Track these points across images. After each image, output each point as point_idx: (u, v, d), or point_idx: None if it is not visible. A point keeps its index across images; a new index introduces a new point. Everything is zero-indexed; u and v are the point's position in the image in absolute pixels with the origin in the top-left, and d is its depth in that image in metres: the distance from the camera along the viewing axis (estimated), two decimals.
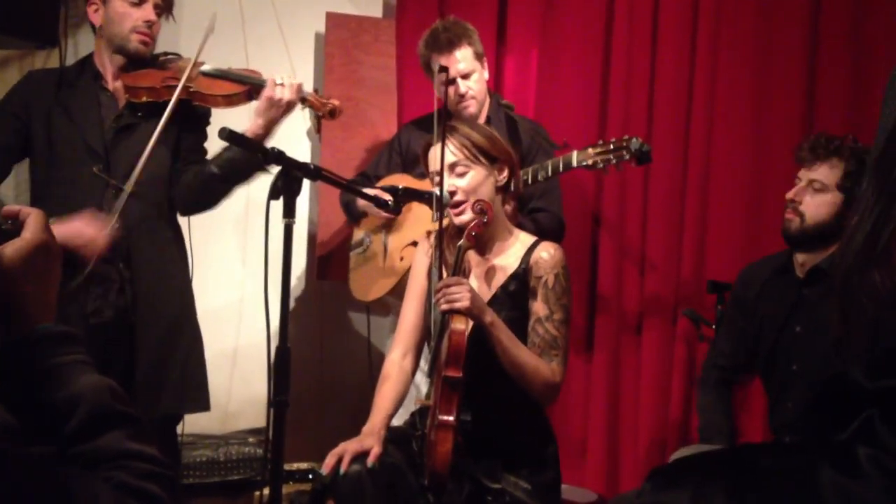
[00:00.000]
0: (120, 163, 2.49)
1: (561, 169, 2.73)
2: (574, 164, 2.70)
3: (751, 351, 2.65)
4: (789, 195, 2.49)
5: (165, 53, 2.68)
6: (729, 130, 3.28)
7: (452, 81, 2.98)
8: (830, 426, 0.54)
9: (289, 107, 2.50)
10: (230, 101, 2.55)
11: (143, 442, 0.87)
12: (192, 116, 2.62)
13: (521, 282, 2.23)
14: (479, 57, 3.03)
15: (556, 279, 2.21)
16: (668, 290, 3.36)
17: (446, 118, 2.27)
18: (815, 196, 2.44)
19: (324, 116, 2.64)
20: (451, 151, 2.24)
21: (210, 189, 2.57)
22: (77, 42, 3.41)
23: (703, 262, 3.30)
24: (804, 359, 2.45)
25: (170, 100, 2.47)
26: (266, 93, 2.46)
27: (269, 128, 2.48)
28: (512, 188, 2.35)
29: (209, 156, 2.63)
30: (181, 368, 2.57)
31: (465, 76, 3.00)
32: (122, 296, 2.50)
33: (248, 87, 2.53)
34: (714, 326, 3.00)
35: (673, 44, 3.36)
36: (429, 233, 2.43)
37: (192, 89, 2.52)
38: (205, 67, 2.57)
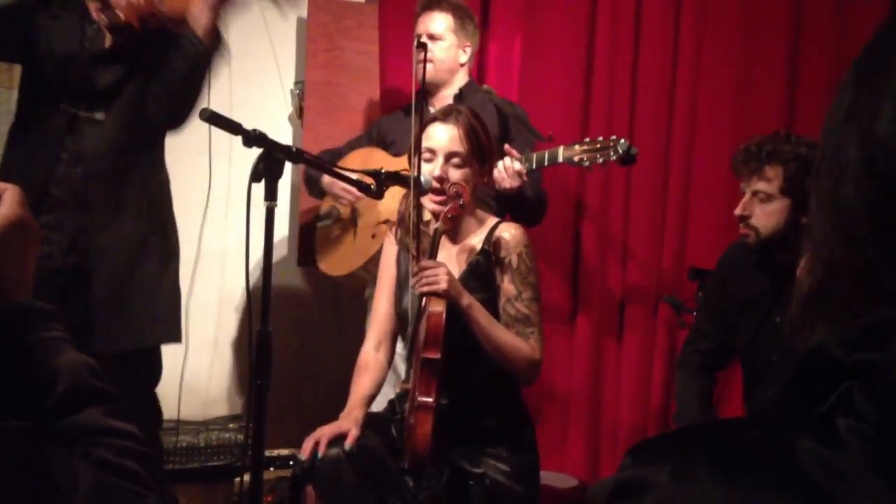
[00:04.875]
0: (92, 91, 2.41)
1: (546, 163, 2.75)
2: (560, 159, 2.72)
3: (732, 334, 2.66)
4: (737, 211, 2.44)
5: None
6: (711, 120, 3.29)
7: (420, 41, 2.99)
8: (808, 401, 0.54)
9: None
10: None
11: (122, 419, 0.86)
12: (167, 46, 2.50)
13: (486, 261, 2.25)
14: (457, 32, 3.05)
15: (519, 259, 2.22)
16: (649, 277, 3.38)
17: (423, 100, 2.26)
18: (763, 207, 2.40)
19: None
20: (455, 137, 2.23)
21: (183, 93, 2.48)
22: None
23: (685, 250, 3.32)
24: (784, 349, 2.46)
25: (147, 28, 2.38)
26: None
27: (216, 19, 2.42)
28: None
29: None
30: (145, 301, 2.51)
31: (432, 37, 3.01)
32: (76, 240, 2.43)
33: None
34: (695, 313, 3.01)
35: (656, 33, 3.37)
36: (391, 224, 2.43)
37: (162, 12, 2.42)
38: None
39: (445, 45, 3.05)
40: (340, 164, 2.95)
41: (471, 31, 3.11)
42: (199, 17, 2.41)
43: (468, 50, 3.11)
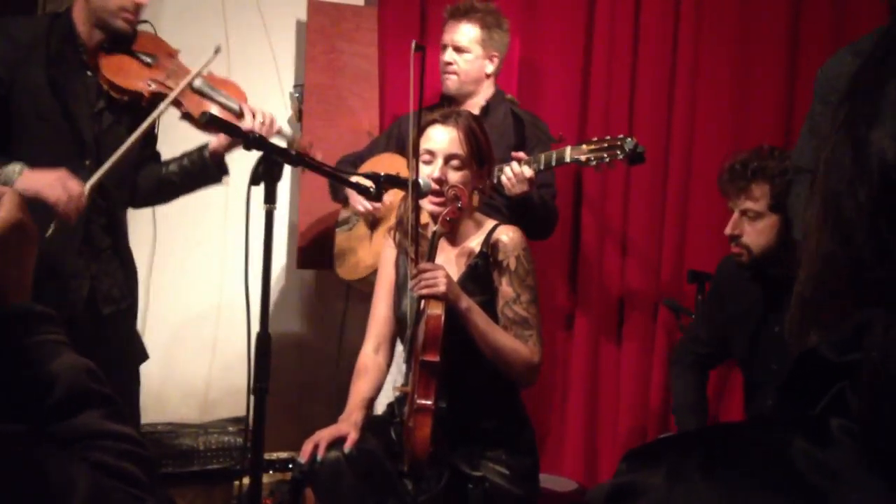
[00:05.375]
0: (104, 159, 2.45)
1: (553, 163, 2.74)
2: (567, 159, 2.71)
3: (728, 343, 2.65)
4: (728, 231, 2.44)
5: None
6: (710, 121, 3.30)
7: (444, 48, 3.04)
8: (802, 403, 0.54)
9: None
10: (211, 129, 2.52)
11: (120, 422, 0.86)
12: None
13: (485, 264, 2.25)
14: (484, 44, 3.04)
15: (517, 262, 2.22)
16: (648, 279, 3.38)
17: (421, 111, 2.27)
18: (753, 224, 2.39)
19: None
20: (455, 139, 2.23)
21: (164, 192, 2.64)
22: None
23: (684, 253, 3.31)
24: (784, 358, 2.45)
25: (153, 103, 2.44)
26: (243, 125, 2.44)
27: (230, 150, 2.53)
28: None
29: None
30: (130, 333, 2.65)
31: (458, 49, 3.00)
32: (96, 288, 2.47)
33: (231, 115, 2.52)
34: (694, 316, 3.01)
35: (655, 33, 3.37)
36: (390, 229, 2.43)
37: (182, 109, 2.48)
38: (197, 83, 2.51)
39: (471, 58, 3.03)
40: (361, 168, 3.00)
41: (498, 38, 3.07)
42: (215, 147, 2.52)
43: (495, 59, 3.08)
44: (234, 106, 2.53)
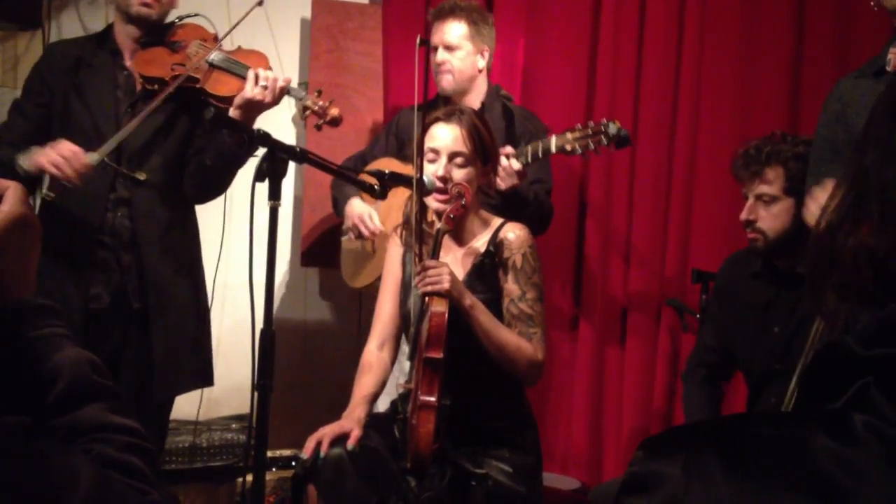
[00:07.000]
0: (131, 150, 2.46)
1: (540, 154, 2.73)
2: (553, 149, 2.70)
3: (734, 345, 2.64)
4: (743, 216, 2.44)
5: (181, 17, 2.63)
6: (714, 119, 3.29)
7: (435, 50, 3.02)
8: (824, 394, 0.53)
9: (269, 107, 2.49)
10: (231, 101, 2.52)
11: (123, 415, 0.86)
12: (202, 104, 2.58)
13: (491, 262, 2.24)
14: (473, 39, 3.02)
15: (523, 259, 2.22)
16: (652, 279, 3.37)
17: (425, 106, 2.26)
18: (768, 209, 2.40)
19: (325, 123, 2.63)
20: (459, 137, 2.23)
21: (208, 180, 2.57)
22: (60, 24, 3.38)
23: (688, 252, 3.31)
24: (786, 358, 2.44)
25: (181, 89, 2.47)
26: (246, 93, 2.42)
27: (251, 113, 2.46)
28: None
29: None
30: (191, 349, 2.61)
31: (449, 48, 3.00)
32: (126, 282, 2.48)
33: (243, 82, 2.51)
34: (698, 316, 3.00)
35: (660, 32, 3.37)
36: (396, 227, 2.43)
37: (198, 86, 2.49)
38: (212, 57, 2.52)
39: (462, 55, 3.02)
40: (366, 170, 2.99)
41: (486, 33, 3.06)
42: (239, 110, 2.45)
43: (486, 54, 3.07)
44: (244, 74, 2.51)
